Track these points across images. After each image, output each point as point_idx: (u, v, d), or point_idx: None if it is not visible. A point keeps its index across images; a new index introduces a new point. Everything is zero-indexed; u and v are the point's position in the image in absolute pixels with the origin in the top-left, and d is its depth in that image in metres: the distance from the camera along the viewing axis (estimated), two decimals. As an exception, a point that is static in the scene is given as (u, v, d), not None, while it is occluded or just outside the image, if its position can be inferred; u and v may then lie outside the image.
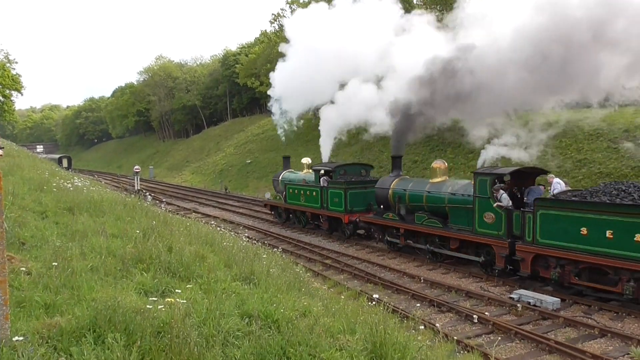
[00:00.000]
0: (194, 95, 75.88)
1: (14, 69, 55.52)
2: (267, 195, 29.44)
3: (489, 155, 17.88)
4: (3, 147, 19.58)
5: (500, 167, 16.95)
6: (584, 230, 12.74)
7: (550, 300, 12.89)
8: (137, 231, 8.46)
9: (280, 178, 26.93)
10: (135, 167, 43.43)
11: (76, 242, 7.23)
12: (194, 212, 32.14)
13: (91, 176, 44.30)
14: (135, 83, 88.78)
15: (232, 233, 16.12)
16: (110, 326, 4.34)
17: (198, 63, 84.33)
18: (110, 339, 4.12)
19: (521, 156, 18.61)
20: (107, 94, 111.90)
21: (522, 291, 13.74)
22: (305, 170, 25.98)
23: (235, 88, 68.20)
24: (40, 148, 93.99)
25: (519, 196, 15.78)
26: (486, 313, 12.56)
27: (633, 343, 10.59)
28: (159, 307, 4.67)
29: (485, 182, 15.46)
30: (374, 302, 7.44)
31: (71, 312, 4.61)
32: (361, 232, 22.39)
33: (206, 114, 76.75)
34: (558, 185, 15.18)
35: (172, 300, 4.76)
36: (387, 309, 6.88)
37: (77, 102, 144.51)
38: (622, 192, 12.76)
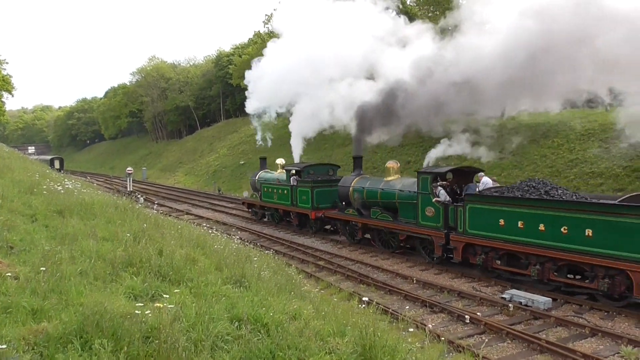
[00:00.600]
0: (187, 96, 75.67)
1: (5, 69, 55.09)
2: (245, 194, 31.31)
3: (437, 154, 20.09)
4: None
5: (441, 166, 19.05)
6: (501, 222, 14.70)
7: (541, 300, 12.96)
8: (128, 234, 8.42)
9: (256, 178, 28.39)
10: (128, 168, 43.22)
11: (66, 246, 7.18)
12: (187, 213, 32.05)
13: (83, 178, 44.04)
14: (128, 84, 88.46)
15: (224, 235, 16.10)
16: (98, 331, 4.31)
17: (191, 64, 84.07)
18: (98, 344, 4.10)
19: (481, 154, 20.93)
20: (100, 94, 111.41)
21: (514, 291, 13.81)
22: (279, 170, 27.25)
23: (229, 89, 68.05)
24: (31, 149, 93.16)
25: (458, 192, 17.38)
26: (478, 313, 12.60)
27: (623, 342, 10.67)
28: (147, 312, 4.65)
29: (426, 179, 17.20)
30: (364, 305, 7.45)
31: (58, 318, 4.59)
32: (329, 227, 23.98)
33: (199, 114, 76.55)
34: (486, 183, 16.58)
35: (161, 305, 4.73)
36: (377, 311, 6.89)
37: (69, 103, 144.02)
38: (532, 188, 14.60)
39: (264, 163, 29.45)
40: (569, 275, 13.79)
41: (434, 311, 13.27)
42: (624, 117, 19.50)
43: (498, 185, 16.94)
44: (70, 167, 79.34)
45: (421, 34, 23.82)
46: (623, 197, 13.30)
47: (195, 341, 4.54)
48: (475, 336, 11.52)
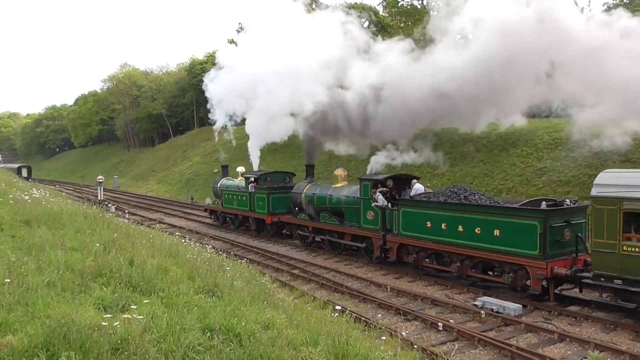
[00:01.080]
0: (160, 104, 74.78)
1: (-30, 75, 53.53)
2: (208, 201, 32.70)
3: (381, 161, 21.46)
4: None
5: (381, 173, 20.31)
6: (428, 224, 16.23)
7: (512, 307, 13.18)
8: (98, 244, 8.27)
9: (218, 185, 29.38)
10: (99, 177, 42.43)
11: (32, 257, 7.02)
12: (159, 222, 31.58)
13: (52, 186, 42.99)
14: (99, 91, 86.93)
15: (197, 244, 15.92)
16: (65, 344, 4.22)
17: (164, 71, 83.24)
18: (65, 357, 4.02)
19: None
20: (70, 101, 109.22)
21: (486, 298, 14.01)
22: (239, 178, 28.23)
23: (202, 96, 67.09)
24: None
25: (397, 197, 18.68)
26: (451, 320, 12.74)
27: (590, 347, 10.93)
28: (116, 323, 4.57)
29: (367, 186, 18.68)
30: (337, 313, 7.47)
31: (24, 331, 4.47)
32: (285, 232, 25.03)
33: (173, 122, 75.68)
34: (417, 189, 18.21)
35: (129, 316, 4.66)
36: (350, 319, 6.91)
37: (38, 110, 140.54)
38: (454, 194, 16.21)
39: (225, 171, 30.52)
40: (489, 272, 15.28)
41: (407, 319, 13.35)
42: (577, 128, 20.80)
43: (430, 191, 18.39)
44: (39, 175, 77.40)
45: (390, 48, 24.34)
46: (524, 202, 14.87)
47: (166, 352, 4.48)
48: (448, 343, 11.63)
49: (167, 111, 74.48)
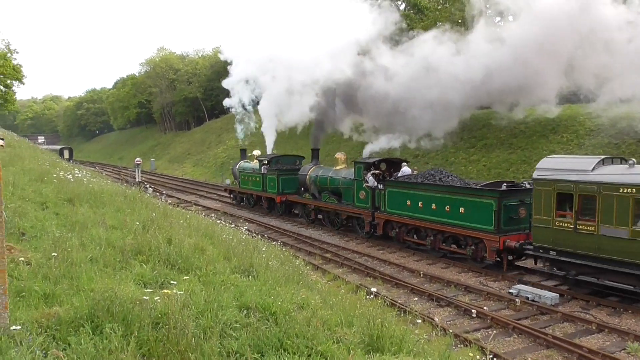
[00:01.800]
0: (196, 88, 75.62)
1: (15, 59, 55.34)
2: (227, 182, 35.20)
3: (377, 147, 24.14)
4: (4, 139, 19.61)
5: (374, 157, 22.42)
6: (408, 202, 18.42)
7: (548, 296, 12.93)
8: (137, 223, 8.48)
9: (237, 167, 31.88)
10: (137, 159, 43.41)
11: (76, 233, 7.25)
12: (195, 204, 32.17)
13: (92, 168, 44.29)
14: (137, 74, 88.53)
15: (232, 226, 16.16)
16: (109, 316, 4.36)
17: (200, 55, 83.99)
18: (108, 329, 4.14)
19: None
20: (109, 85, 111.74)
21: (521, 286, 13.79)
22: (254, 161, 30.42)
23: (237, 80, 67.86)
24: (41, 139, 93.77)
25: (388, 178, 20.67)
26: (485, 308, 12.59)
27: (630, 338, 10.64)
28: (156, 298, 4.69)
29: (360, 168, 20.92)
30: (372, 296, 7.47)
31: (70, 302, 4.64)
32: (294, 210, 27.26)
33: (208, 106, 76.50)
34: (404, 171, 20.26)
35: (169, 291, 4.77)
36: (384, 303, 6.90)
37: (79, 93, 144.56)
38: (430, 176, 18.42)
39: (244, 154, 32.67)
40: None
41: (440, 305, 13.28)
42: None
43: (416, 174, 20.25)
44: (79, 157, 79.82)
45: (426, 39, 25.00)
46: (485, 183, 17.27)
47: (204, 328, 4.57)
48: (481, 330, 11.53)
49: (202, 95, 75.30)
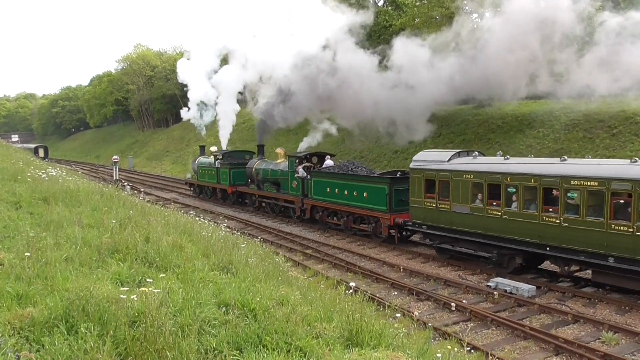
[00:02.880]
0: (174, 84, 74.63)
1: (-13, 56, 53.93)
2: (188, 175, 37.74)
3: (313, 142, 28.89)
4: None
5: (304, 152, 26.05)
6: (328, 189, 21.80)
7: (525, 288, 13.16)
8: (114, 221, 8.35)
9: (196, 162, 34.73)
10: (114, 157, 42.79)
11: (51, 233, 7.12)
12: (174, 202, 31.86)
13: (68, 166, 43.54)
14: (114, 71, 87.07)
15: (211, 223, 16.04)
16: (84, 316, 4.29)
17: (178, 52, 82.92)
18: (84, 328, 4.08)
19: None
20: (85, 82, 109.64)
21: (499, 279, 13.99)
22: (211, 156, 33.09)
23: (216, 77, 67.26)
24: (15, 137, 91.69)
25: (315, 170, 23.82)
26: (464, 301, 12.75)
27: (604, 328, 10.89)
28: (133, 296, 4.63)
29: (293, 161, 24.51)
30: (351, 291, 7.50)
31: (44, 303, 4.55)
32: (247, 200, 30.12)
33: (186, 103, 75.63)
34: (327, 164, 23.80)
35: (146, 289, 4.72)
36: (364, 298, 6.93)
37: (53, 91, 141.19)
38: (345, 167, 22.13)
39: (202, 150, 35.54)
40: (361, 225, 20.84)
41: (420, 299, 13.40)
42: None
43: (335, 165, 23.53)
44: (55, 155, 78.29)
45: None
46: (381, 172, 21.00)
47: (182, 325, 4.54)
48: (460, 323, 11.68)
49: (180, 92, 74.34)
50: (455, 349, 6.33)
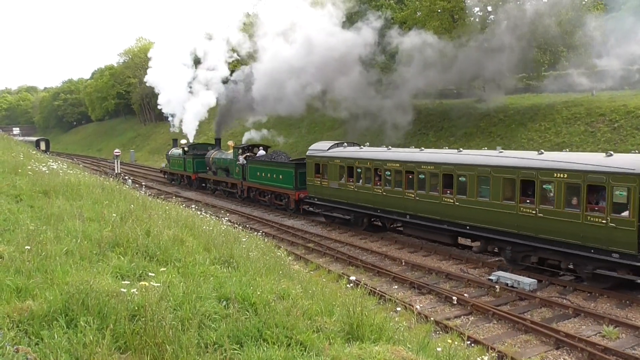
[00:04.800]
0: (176, 78, 74.41)
1: (-12, 49, 53.80)
2: (163, 165, 42.92)
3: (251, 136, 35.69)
4: None
5: (248, 144, 31.64)
6: (258, 174, 27.32)
7: (527, 282, 13.14)
8: (115, 215, 8.33)
9: (169, 153, 39.87)
10: (116, 150, 42.80)
11: (51, 226, 7.09)
12: (175, 196, 31.86)
13: (70, 159, 43.53)
14: (115, 65, 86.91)
15: (213, 217, 16.03)
16: (84, 310, 4.27)
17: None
18: (83, 322, 4.06)
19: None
20: (86, 75, 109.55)
21: (501, 273, 13.98)
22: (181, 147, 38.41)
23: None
24: (16, 130, 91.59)
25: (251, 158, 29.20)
26: (465, 295, 12.76)
27: (605, 322, 10.88)
28: (133, 290, 4.62)
29: (236, 151, 30.00)
30: (352, 284, 7.48)
31: (43, 296, 4.53)
32: (205, 185, 35.24)
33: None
34: (260, 153, 29.25)
35: (146, 283, 4.70)
36: (366, 292, 6.92)
37: (55, 84, 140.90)
38: (271, 155, 27.67)
39: (175, 143, 40.15)
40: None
41: (422, 293, 13.40)
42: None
43: (264, 154, 29.05)
44: (57, 148, 78.33)
45: None
46: (292, 159, 25.96)
47: (182, 319, 4.52)
48: (462, 317, 11.68)
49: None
50: (456, 342, 6.32)
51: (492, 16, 31.49)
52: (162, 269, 5.83)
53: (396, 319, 6.59)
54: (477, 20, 32.03)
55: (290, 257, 14.16)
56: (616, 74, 29.76)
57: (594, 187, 12.67)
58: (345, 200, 20.74)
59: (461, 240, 17.09)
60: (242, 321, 4.75)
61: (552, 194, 13.47)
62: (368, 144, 22.03)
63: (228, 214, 23.97)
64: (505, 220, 14.42)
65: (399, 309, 7.28)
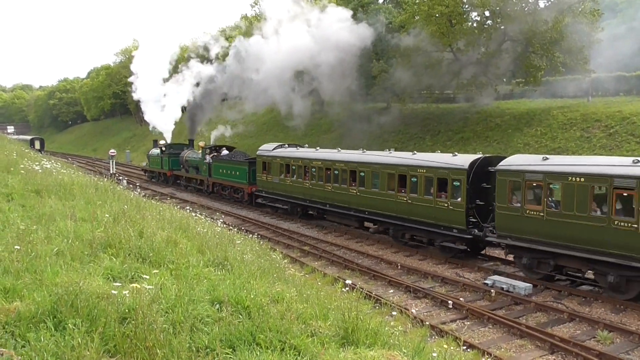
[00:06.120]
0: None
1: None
2: (144, 164, 45.97)
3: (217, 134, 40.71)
4: None
5: (216, 145, 35.01)
6: (221, 171, 30.83)
7: (522, 286, 13.10)
8: (108, 215, 8.22)
9: (150, 153, 42.92)
10: (111, 150, 42.71)
11: (42, 226, 6.98)
12: (171, 197, 31.72)
13: (64, 159, 43.36)
14: (112, 64, 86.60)
15: (208, 219, 15.92)
16: (72, 312, 4.17)
17: (177, 45, 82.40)
18: (71, 324, 3.96)
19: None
20: (82, 75, 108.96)
21: (496, 277, 13.94)
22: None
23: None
24: (11, 129, 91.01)
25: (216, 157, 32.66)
26: (461, 299, 12.70)
27: (600, 327, 10.84)
28: (124, 292, 4.52)
29: (204, 151, 33.25)
30: (347, 288, 7.40)
31: (31, 297, 4.43)
32: (179, 181, 38.51)
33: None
34: (223, 153, 32.21)
35: (138, 285, 4.60)
36: (361, 295, 6.84)
37: (51, 83, 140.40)
38: (230, 155, 31.26)
39: (155, 143, 43.04)
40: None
41: (417, 296, 13.34)
42: None
43: (227, 153, 32.22)
44: (52, 148, 77.91)
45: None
46: (248, 158, 28.90)
47: (174, 322, 4.42)
48: (457, 321, 11.62)
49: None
50: (452, 347, 6.24)
51: (489, 21, 31.68)
52: (155, 271, 5.72)
53: (392, 323, 6.51)
54: (474, 25, 32.14)
55: (285, 260, 14.07)
56: (611, 80, 29.91)
57: (441, 179, 16.42)
58: (284, 192, 24.70)
59: (366, 224, 20.97)
60: (235, 325, 4.66)
61: (416, 185, 17.13)
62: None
63: (223, 216, 23.87)
64: (389, 206, 18.27)
65: (394, 313, 7.20)
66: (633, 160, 12.05)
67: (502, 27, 29.84)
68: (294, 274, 11.39)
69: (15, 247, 5.50)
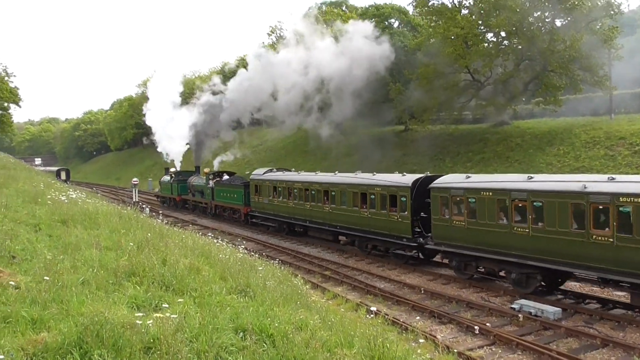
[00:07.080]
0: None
1: (12, 82, 55.47)
2: (156, 190, 49.64)
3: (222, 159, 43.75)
4: None
5: (219, 171, 37.39)
6: (222, 194, 33.20)
7: (551, 310, 12.71)
8: (132, 244, 8.31)
9: (162, 180, 46.01)
10: (134, 179, 43.41)
11: (69, 255, 7.08)
12: (192, 224, 31.92)
13: (89, 189, 44.18)
14: (134, 95, 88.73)
15: (229, 245, 15.96)
16: (98, 342, 4.18)
17: (196, 75, 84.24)
18: (97, 355, 3.97)
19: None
20: (106, 106, 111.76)
21: (523, 301, 13.56)
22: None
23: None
24: (38, 161, 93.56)
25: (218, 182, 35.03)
26: (487, 324, 12.36)
27: (636, 353, 10.40)
28: (149, 322, 4.52)
29: (207, 176, 35.83)
30: (372, 315, 7.28)
31: (58, 328, 4.46)
32: (187, 205, 41.18)
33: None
34: (225, 177, 34.59)
35: (162, 315, 4.60)
36: (385, 321, 6.72)
37: (76, 115, 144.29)
38: (228, 180, 33.55)
39: (167, 170, 45.47)
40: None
41: (442, 322, 13.03)
42: None
43: (228, 178, 34.58)
44: (77, 178, 79.42)
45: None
46: (244, 182, 30.95)
47: (199, 352, 4.40)
48: (485, 347, 11.28)
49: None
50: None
51: (505, 41, 31.71)
52: (179, 300, 5.73)
53: (418, 350, 6.36)
54: (490, 45, 32.19)
55: (307, 286, 13.96)
56: (632, 97, 29.46)
57: (392, 196, 18.80)
58: (272, 212, 27.29)
59: (340, 238, 23.21)
60: (260, 353, 4.62)
61: (374, 201, 19.50)
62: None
63: (244, 242, 23.90)
64: (354, 220, 20.83)
65: (421, 340, 7.04)
66: (528, 177, 14.48)
67: (520, 47, 29.81)
68: (316, 300, 11.28)
69: (45, 277, 5.57)
